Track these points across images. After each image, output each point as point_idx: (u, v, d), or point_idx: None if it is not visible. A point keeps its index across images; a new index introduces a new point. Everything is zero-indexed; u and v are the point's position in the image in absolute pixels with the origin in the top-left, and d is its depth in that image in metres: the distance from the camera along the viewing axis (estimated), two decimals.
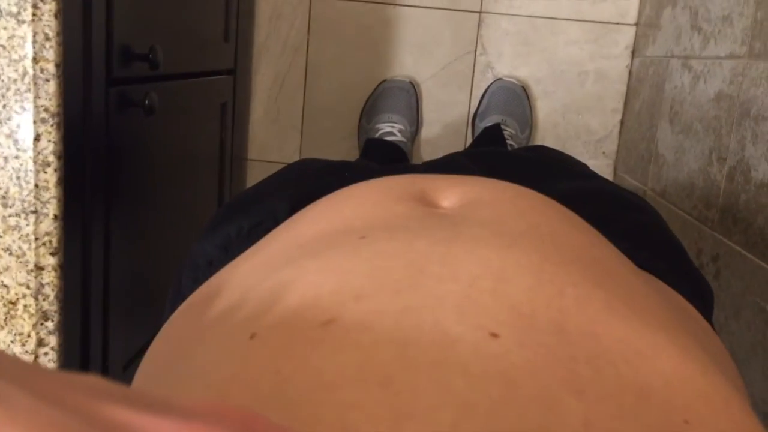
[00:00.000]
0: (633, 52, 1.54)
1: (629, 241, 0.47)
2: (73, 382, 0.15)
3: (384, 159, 1.40)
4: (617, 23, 1.53)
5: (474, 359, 0.24)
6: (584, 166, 0.70)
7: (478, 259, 0.29)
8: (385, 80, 1.56)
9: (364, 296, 0.27)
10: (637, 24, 1.53)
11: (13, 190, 0.70)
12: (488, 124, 1.49)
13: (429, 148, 1.61)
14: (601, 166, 1.58)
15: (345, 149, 1.61)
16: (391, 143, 1.47)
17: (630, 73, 1.55)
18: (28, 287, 0.72)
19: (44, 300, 0.73)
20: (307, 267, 0.31)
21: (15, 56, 0.68)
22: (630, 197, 0.59)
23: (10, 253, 0.72)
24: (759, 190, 0.89)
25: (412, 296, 0.27)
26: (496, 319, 0.26)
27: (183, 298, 0.48)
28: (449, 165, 0.61)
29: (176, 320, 0.43)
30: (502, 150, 0.82)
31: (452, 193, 0.40)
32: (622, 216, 0.54)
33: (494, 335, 0.25)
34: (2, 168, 0.70)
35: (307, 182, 0.59)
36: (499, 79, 1.55)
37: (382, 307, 0.26)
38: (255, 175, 1.62)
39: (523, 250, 0.31)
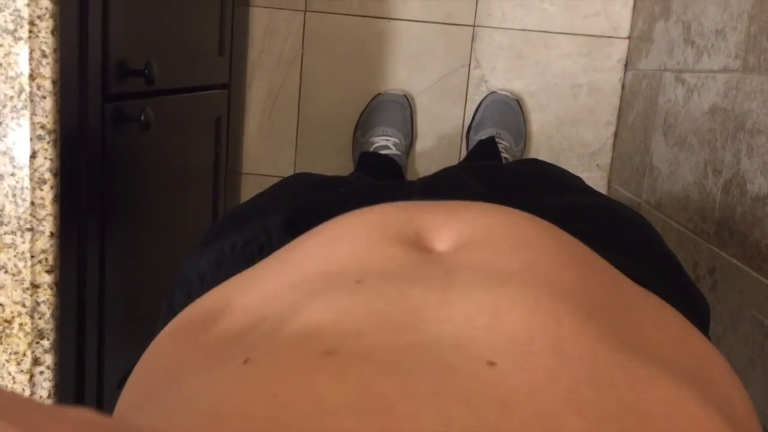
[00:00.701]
0: (626, 66, 1.55)
1: (626, 257, 0.47)
2: (67, 418, 0.15)
3: (379, 172, 1.40)
4: (610, 37, 1.54)
5: (472, 387, 0.24)
6: (579, 180, 0.70)
7: (472, 301, 0.30)
8: (379, 94, 1.57)
9: (364, 333, 0.27)
10: (629, 37, 1.54)
11: (9, 207, 0.70)
12: (483, 137, 1.49)
13: (423, 161, 1.61)
14: (595, 178, 1.59)
15: (339, 163, 1.61)
16: (386, 157, 1.47)
17: (623, 86, 1.55)
18: (23, 305, 0.72)
19: (40, 318, 0.72)
20: (305, 304, 0.31)
21: (11, 73, 0.67)
22: (626, 212, 0.59)
23: (6, 271, 0.71)
24: (755, 203, 0.90)
25: (411, 335, 0.27)
26: (492, 349, 0.26)
27: (175, 314, 0.47)
28: (446, 181, 0.61)
29: (164, 343, 0.42)
30: (497, 164, 0.82)
31: (447, 232, 0.40)
32: (619, 231, 0.54)
33: (491, 363, 0.25)
34: None
35: (302, 198, 0.59)
36: (493, 92, 1.55)
37: (382, 342, 0.27)
38: (249, 189, 1.62)
39: (517, 287, 0.31)
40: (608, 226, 0.53)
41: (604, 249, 0.46)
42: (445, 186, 0.60)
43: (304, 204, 0.56)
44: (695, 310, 0.48)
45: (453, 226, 0.40)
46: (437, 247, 0.39)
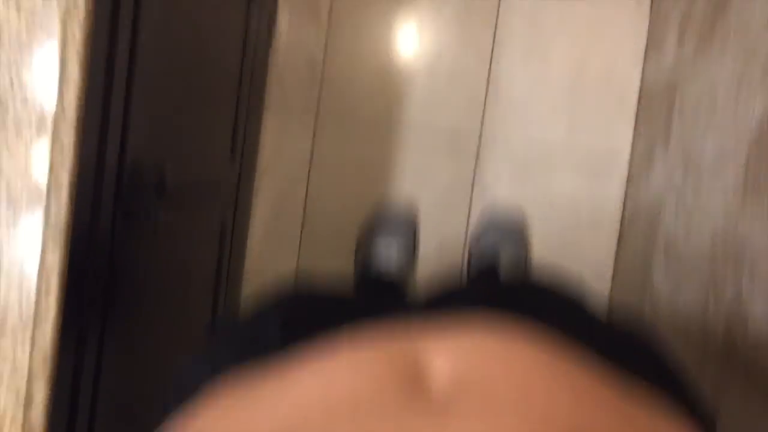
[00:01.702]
0: (627, 188, 1.58)
1: (632, 371, 0.47)
2: None
3: (378, 296, 1.39)
4: (612, 158, 1.58)
5: None
6: (585, 299, 0.70)
7: None
8: (383, 204, 1.59)
9: None
10: (630, 161, 1.58)
11: (13, 300, 0.70)
12: (484, 249, 1.50)
13: (425, 271, 1.61)
14: (595, 298, 1.59)
15: (342, 272, 1.61)
16: (385, 282, 1.48)
17: (624, 207, 1.58)
18: (17, 398, 0.70)
19: (32, 412, 0.71)
20: None
21: (30, 169, 0.69)
22: (633, 337, 0.60)
23: (4, 361, 0.70)
24: (758, 328, 0.89)
25: None
26: None
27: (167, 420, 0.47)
28: (448, 303, 0.62)
29: None
30: (501, 287, 0.83)
31: (443, 361, 0.42)
32: (627, 352, 0.54)
33: None
34: (6, 276, 0.70)
35: (301, 310, 0.60)
36: (496, 205, 1.58)
37: None
38: (250, 295, 1.61)
39: None
40: (615, 349, 0.53)
41: (610, 363, 0.46)
42: (448, 307, 0.60)
43: (304, 316, 0.57)
44: (703, 420, 0.47)
45: (451, 362, 0.42)
46: (433, 384, 0.41)
